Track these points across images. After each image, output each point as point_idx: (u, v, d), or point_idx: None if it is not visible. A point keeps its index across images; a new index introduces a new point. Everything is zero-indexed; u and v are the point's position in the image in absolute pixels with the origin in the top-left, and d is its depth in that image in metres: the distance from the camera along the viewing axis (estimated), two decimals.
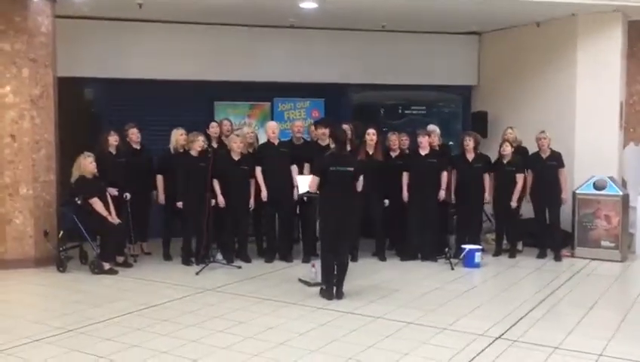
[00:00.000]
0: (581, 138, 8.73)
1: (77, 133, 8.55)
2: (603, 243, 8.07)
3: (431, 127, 8.41)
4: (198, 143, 7.40)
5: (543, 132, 8.07)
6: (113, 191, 7.45)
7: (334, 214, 6.04)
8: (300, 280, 6.72)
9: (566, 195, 8.05)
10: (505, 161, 8.08)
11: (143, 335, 4.98)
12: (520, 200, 8.11)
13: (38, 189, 7.44)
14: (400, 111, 10.82)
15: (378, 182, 7.62)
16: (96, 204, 7.11)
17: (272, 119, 9.41)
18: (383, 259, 7.94)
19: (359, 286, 6.50)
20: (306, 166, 7.56)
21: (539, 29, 9.23)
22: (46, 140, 7.52)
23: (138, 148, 7.91)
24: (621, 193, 8.11)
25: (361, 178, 6.22)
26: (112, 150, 7.66)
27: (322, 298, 6.05)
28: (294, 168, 7.63)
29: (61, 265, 7.18)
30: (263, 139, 8.37)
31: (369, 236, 8.13)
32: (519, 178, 8.01)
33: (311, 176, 6.33)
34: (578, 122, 8.78)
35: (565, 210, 8.17)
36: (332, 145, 6.35)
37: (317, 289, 6.24)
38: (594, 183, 8.18)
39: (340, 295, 6.07)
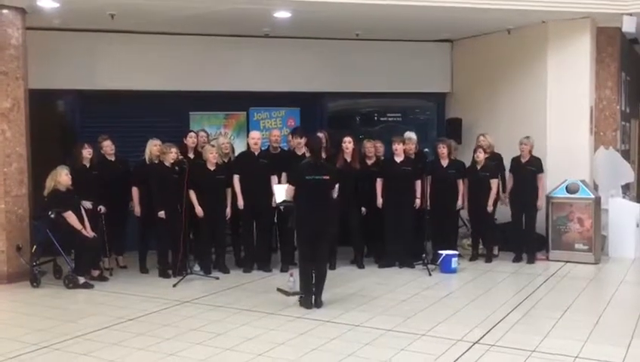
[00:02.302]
0: (553, 142, 8.86)
1: (50, 146, 8.44)
2: (577, 245, 8.19)
3: (407, 134, 8.47)
4: (171, 155, 7.34)
5: (527, 137, 8.18)
6: (87, 204, 7.35)
7: (311, 223, 6.05)
8: (279, 290, 6.68)
9: (541, 201, 8.16)
10: (478, 167, 8.18)
11: (120, 349, 4.91)
12: (494, 205, 8.20)
13: (10, 203, 7.30)
14: (376, 118, 10.88)
15: (355, 190, 7.66)
16: (70, 217, 7.01)
17: (248, 129, 9.40)
18: (361, 266, 7.95)
19: (338, 295, 6.50)
20: (284, 175, 7.56)
21: (510, 36, 9.37)
22: (18, 154, 7.40)
23: (113, 159, 7.83)
24: (593, 196, 8.25)
25: (337, 186, 6.24)
26: (86, 163, 7.58)
27: (301, 307, 6.04)
28: (273, 178, 7.62)
29: (35, 280, 7.06)
30: (239, 150, 8.37)
31: (347, 244, 8.14)
32: (493, 183, 8.11)
33: (287, 185, 6.34)
34: (549, 127, 8.92)
35: (540, 213, 8.28)
36: (308, 155, 6.37)
37: (296, 298, 6.22)
38: (566, 187, 8.31)
39: (319, 303, 6.07)
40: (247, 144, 8.00)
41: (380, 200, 7.84)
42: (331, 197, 6.19)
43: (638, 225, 8.52)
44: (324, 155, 7.45)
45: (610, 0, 8.26)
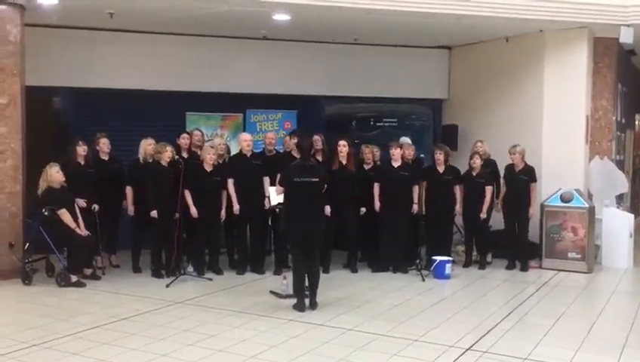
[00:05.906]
0: (548, 151, 8.90)
1: (45, 143, 8.40)
2: (570, 254, 8.21)
3: (403, 139, 8.48)
4: (167, 154, 7.31)
5: (513, 146, 8.17)
6: (81, 202, 7.33)
7: (300, 224, 6.05)
8: (272, 293, 6.69)
9: (533, 210, 8.16)
10: (474, 174, 8.20)
11: (111, 349, 4.89)
12: (489, 212, 8.22)
13: (4, 200, 7.27)
14: (372, 123, 10.90)
15: (352, 193, 7.66)
16: (64, 215, 6.98)
17: (245, 130, 9.40)
18: (354, 270, 7.95)
19: (331, 298, 6.49)
20: (279, 177, 7.54)
21: (507, 44, 9.42)
22: (12, 150, 7.37)
23: (106, 158, 7.81)
24: (587, 205, 8.28)
25: (325, 186, 6.26)
26: (81, 160, 7.55)
27: (294, 310, 6.03)
28: (266, 180, 7.61)
29: (26, 278, 7.02)
30: (234, 151, 8.36)
31: (341, 248, 8.14)
32: (488, 190, 8.13)
33: (277, 186, 6.36)
34: (545, 136, 8.96)
35: (533, 222, 8.30)
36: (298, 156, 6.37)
37: (288, 301, 6.22)
38: (561, 196, 8.34)
39: (313, 305, 6.07)
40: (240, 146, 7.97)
41: (377, 205, 7.84)
42: (321, 199, 6.17)
43: (631, 235, 8.56)
44: (320, 158, 7.49)
45: (608, 11, 8.29)
